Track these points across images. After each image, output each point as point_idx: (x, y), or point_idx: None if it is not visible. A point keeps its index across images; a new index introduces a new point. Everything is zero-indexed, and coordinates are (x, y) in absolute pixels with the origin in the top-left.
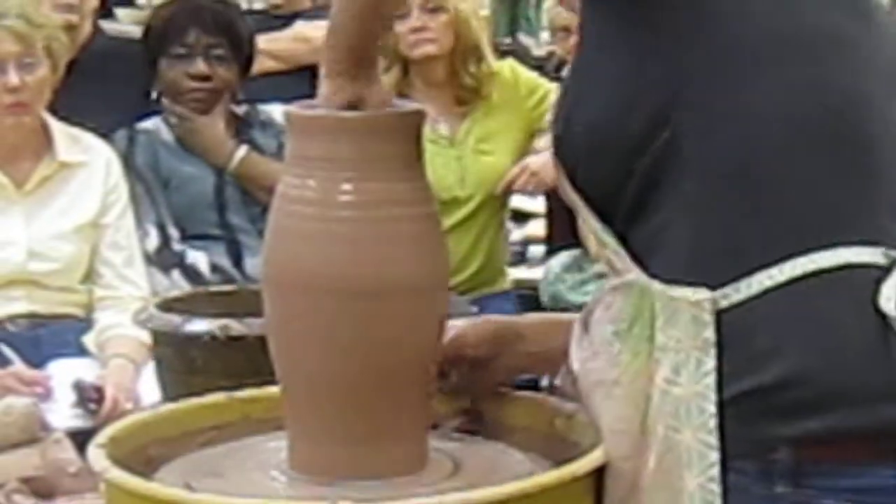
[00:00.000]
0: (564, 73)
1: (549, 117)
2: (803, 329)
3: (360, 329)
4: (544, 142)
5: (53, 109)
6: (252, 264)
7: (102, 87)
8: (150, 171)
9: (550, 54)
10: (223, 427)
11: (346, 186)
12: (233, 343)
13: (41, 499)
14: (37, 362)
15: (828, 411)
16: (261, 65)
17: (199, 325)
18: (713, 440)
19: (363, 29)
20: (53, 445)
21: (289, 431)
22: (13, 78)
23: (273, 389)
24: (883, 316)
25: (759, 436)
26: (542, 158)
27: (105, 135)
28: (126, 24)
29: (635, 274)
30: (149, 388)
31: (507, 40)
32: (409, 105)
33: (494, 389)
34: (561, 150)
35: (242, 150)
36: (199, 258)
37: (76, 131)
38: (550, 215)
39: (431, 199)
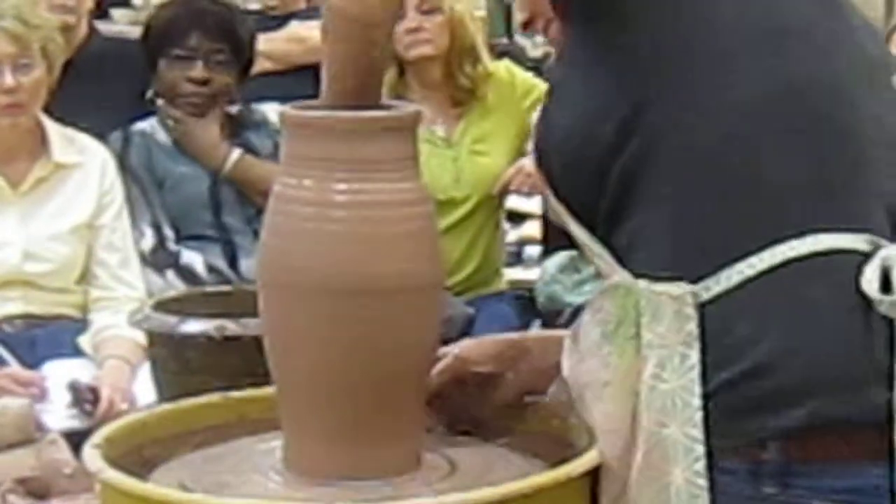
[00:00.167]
0: None
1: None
2: (783, 315)
3: (355, 329)
4: None
5: (49, 110)
6: (247, 265)
7: (98, 88)
8: (144, 171)
9: (547, 55)
10: (219, 428)
11: (342, 186)
12: (228, 344)
13: (36, 499)
14: (32, 363)
15: (811, 398)
16: (257, 65)
17: (194, 326)
18: (698, 434)
19: (358, 75)
20: (49, 446)
21: (284, 432)
22: (9, 79)
23: (269, 390)
24: (865, 298)
25: (744, 428)
26: None
27: (100, 135)
28: (122, 24)
29: (620, 275)
30: (144, 388)
31: (504, 41)
32: (406, 106)
33: (500, 408)
34: (542, 163)
35: (236, 154)
36: (194, 259)
37: (72, 132)
38: (546, 216)
39: (428, 199)
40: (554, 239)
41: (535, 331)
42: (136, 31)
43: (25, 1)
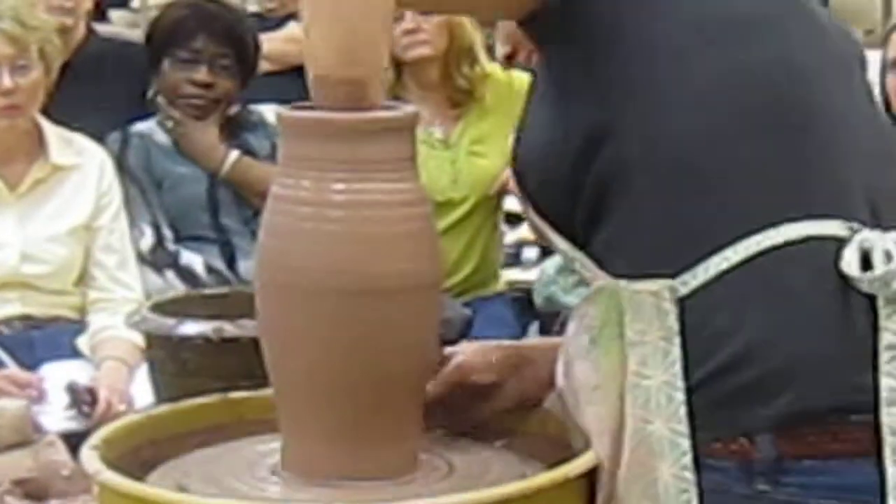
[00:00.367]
0: None
1: None
2: (761, 304)
3: (354, 329)
4: None
5: (47, 112)
6: (245, 266)
7: (96, 89)
8: (143, 172)
9: None
10: (217, 429)
11: (340, 187)
12: (226, 345)
13: (34, 501)
14: (30, 364)
15: (793, 385)
16: None
17: (192, 328)
18: (684, 428)
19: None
20: (46, 447)
21: (283, 432)
22: (6, 80)
23: (267, 391)
24: (844, 282)
25: (729, 421)
26: None
27: (98, 137)
28: (120, 26)
29: (603, 279)
30: (142, 390)
31: None
32: (403, 107)
33: (501, 414)
34: (520, 182)
35: (234, 155)
36: (194, 259)
37: (69, 134)
38: None
39: (425, 200)
40: None
41: (537, 338)
42: (133, 33)
43: (23, 2)
